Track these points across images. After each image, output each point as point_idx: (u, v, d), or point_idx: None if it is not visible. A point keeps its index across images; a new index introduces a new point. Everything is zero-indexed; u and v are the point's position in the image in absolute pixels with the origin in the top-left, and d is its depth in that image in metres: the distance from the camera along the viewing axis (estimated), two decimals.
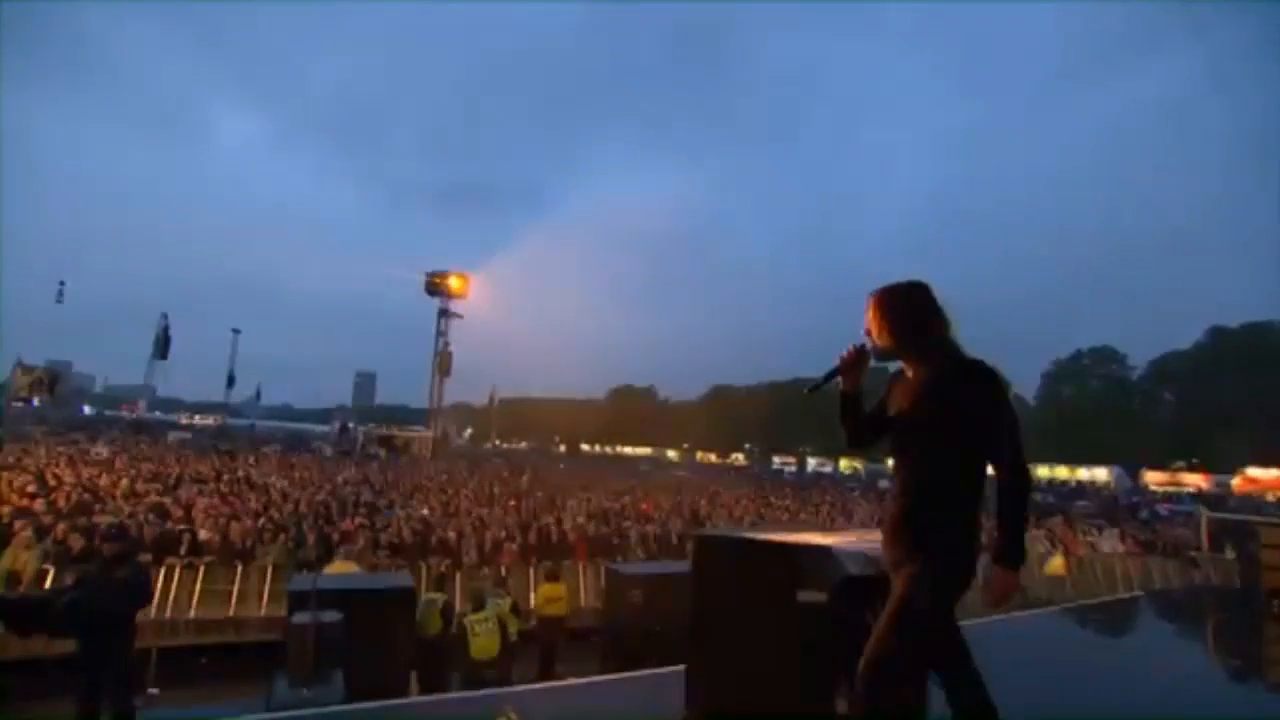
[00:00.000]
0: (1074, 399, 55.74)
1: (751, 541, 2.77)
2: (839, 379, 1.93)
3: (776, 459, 70.34)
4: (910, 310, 1.79)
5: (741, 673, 2.49)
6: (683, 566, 9.26)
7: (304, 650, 4.41)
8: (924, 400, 1.71)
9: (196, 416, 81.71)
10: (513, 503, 13.99)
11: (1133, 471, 43.69)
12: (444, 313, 42.56)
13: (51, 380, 29.09)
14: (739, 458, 73.51)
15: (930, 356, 1.75)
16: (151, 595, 4.81)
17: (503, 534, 10.55)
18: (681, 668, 2.83)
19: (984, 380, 1.66)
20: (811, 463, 68.52)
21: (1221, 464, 39.53)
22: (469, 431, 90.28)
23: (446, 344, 42.54)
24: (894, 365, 1.92)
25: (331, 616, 4.60)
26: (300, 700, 3.70)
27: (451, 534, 9.99)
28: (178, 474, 13.97)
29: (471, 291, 44.05)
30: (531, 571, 9.78)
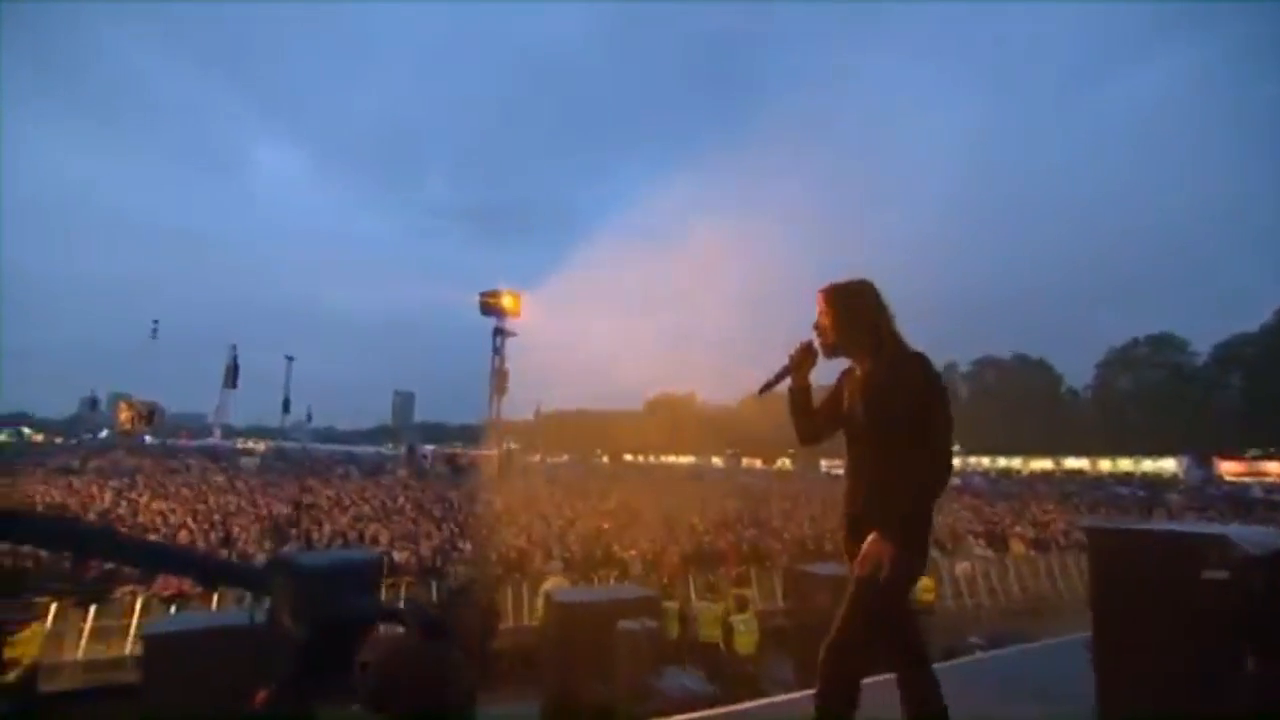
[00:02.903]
0: (1131, 388, 54.53)
1: (1148, 531, 3.26)
2: (789, 377, 1.99)
3: (824, 463, 69.94)
4: (860, 307, 1.87)
5: (1146, 642, 2.92)
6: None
7: (639, 652, 4.94)
8: (875, 393, 1.78)
9: (249, 441, 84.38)
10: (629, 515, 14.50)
11: (1202, 461, 42.53)
12: (498, 331, 43.53)
13: (150, 413, 30.80)
14: (785, 463, 73.19)
15: (879, 351, 1.83)
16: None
17: (658, 546, 11.02)
18: (1076, 638, 3.34)
19: (925, 372, 1.74)
20: None
21: None
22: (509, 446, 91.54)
23: (503, 362, 43.45)
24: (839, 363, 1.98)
25: (650, 623, 5.12)
26: (686, 688, 4.19)
27: (615, 547, 10.49)
28: (327, 501, 14.80)
29: (518, 309, 44.94)
30: (690, 578, 10.28)
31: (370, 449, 76.44)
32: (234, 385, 44.23)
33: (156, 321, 36.50)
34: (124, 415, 29.40)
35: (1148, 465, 46.65)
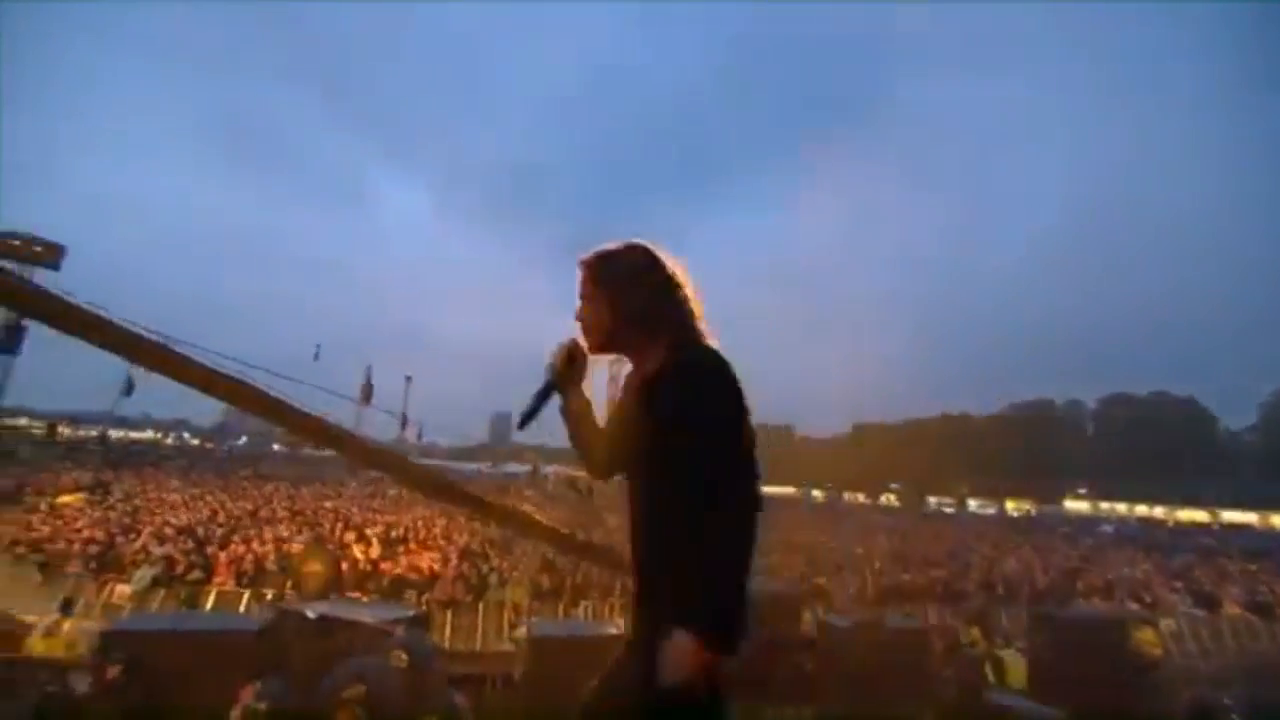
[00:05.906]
0: None
1: None
2: (556, 394, 1.40)
3: (932, 500, 66.36)
4: (633, 282, 1.29)
5: None
6: (1096, 612, 9.41)
7: (972, 675, 5.29)
8: (649, 408, 1.22)
9: None
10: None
11: None
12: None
13: None
14: (891, 498, 70.11)
15: (656, 347, 1.28)
16: None
17: (858, 580, 11.17)
18: None
19: (723, 378, 1.18)
20: (972, 504, 63.99)
21: None
22: None
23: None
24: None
25: (978, 649, 5.46)
26: (1028, 708, 4.51)
27: (821, 579, 10.75)
28: None
29: None
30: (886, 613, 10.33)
31: (470, 466, 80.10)
32: (369, 402, 48.18)
33: (319, 345, 40.50)
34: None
35: None
